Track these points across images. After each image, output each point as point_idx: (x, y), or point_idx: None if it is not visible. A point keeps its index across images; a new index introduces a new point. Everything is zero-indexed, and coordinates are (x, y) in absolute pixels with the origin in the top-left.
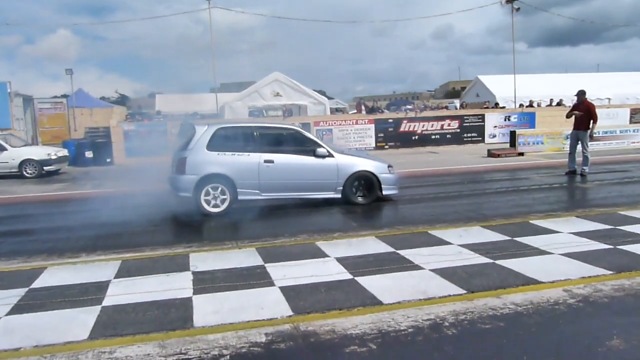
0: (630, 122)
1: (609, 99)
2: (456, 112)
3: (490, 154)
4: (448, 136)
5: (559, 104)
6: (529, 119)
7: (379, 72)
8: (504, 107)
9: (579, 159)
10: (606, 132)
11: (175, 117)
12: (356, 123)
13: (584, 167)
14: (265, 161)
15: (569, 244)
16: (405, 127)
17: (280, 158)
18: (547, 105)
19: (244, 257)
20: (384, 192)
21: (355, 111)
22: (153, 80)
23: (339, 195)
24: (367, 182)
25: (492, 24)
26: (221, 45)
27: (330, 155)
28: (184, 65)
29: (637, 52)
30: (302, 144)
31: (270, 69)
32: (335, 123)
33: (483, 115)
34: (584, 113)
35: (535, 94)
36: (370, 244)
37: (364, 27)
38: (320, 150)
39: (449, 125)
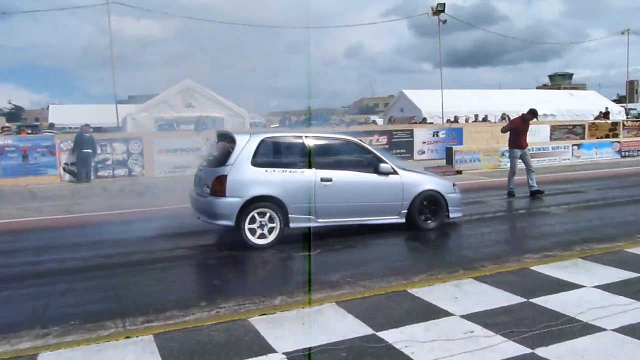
0: (551, 139)
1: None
2: (385, 127)
3: (428, 171)
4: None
5: (484, 119)
6: (456, 135)
7: (293, 88)
8: (431, 123)
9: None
10: (539, 149)
11: (67, 130)
12: None
13: (534, 185)
14: (322, 179)
15: (609, 308)
16: None
17: (339, 175)
18: (473, 121)
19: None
20: (451, 215)
21: (278, 125)
22: (52, 90)
23: (403, 220)
24: (434, 203)
25: (400, 43)
26: (128, 55)
27: (395, 172)
28: (85, 76)
29: (528, 74)
30: (361, 158)
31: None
32: None
33: (412, 131)
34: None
35: (460, 110)
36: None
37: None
38: (383, 167)
39: (377, 140)
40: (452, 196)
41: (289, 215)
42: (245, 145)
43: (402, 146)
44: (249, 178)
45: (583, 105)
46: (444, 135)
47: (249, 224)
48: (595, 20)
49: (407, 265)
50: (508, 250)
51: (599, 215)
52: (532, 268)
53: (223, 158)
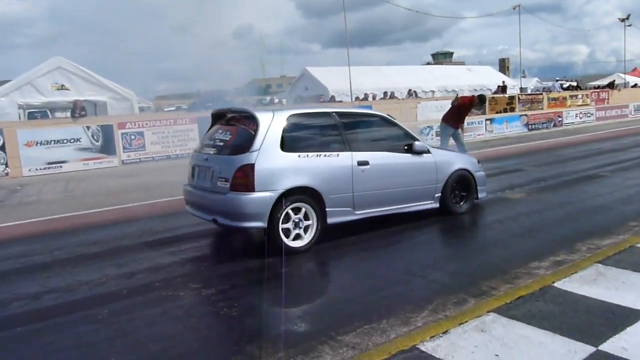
0: None
1: (433, 91)
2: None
3: None
4: None
5: (392, 96)
6: None
7: (181, 70)
8: (340, 101)
9: None
10: None
11: None
12: (175, 123)
13: None
14: (359, 163)
15: None
16: None
17: (375, 158)
18: (382, 99)
19: None
20: (480, 195)
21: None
22: None
23: (437, 205)
24: (465, 184)
25: (289, 25)
26: None
27: (428, 151)
28: None
29: (412, 53)
30: (392, 137)
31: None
32: (148, 124)
33: None
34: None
35: (365, 87)
36: None
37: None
38: (418, 145)
39: None
40: (479, 174)
41: (327, 209)
42: (271, 125)
43: None
44: (281, 166)
45: (481, 80)
46: None
47: (283, 223)
48: (468, 3)
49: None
50: (503, 257)
51: (564, 199)
52: (555, 285)
53: (243, 142)
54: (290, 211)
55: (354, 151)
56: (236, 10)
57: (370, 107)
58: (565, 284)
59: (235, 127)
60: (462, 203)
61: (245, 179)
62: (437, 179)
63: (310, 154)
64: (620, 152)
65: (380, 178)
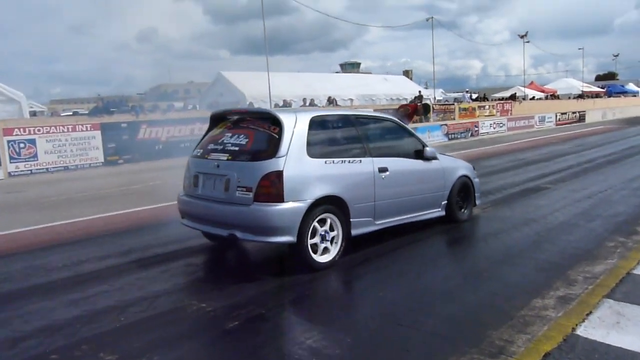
0: None
1: (352, 99)
2: (208, 114)
3: None
4: None
5: (312, 104)
6: None
7: (78, 73)
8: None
9: None
10: None
11: None
12: (74, 130)
13: None
14: (380, 170)
15: None
16: (145, 133)
17: (393, 164)
18: (301, 106)
19: None
20: (477, 202)
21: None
22: None
23: (444, 213)
24: (465, 190)
25: (197, 30)
26: None
27: (436, 157)
28: None
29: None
30: (404, 142)
31: None
32: (40, 130)
33: None
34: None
35: (284, 94)
36: None
37: (58, 22)
38: (429, 151)
39: (200, 129)
40: (476, 181)
41: (351, 220)
42: (295, 128)
43: None
44: (309, 173)
45: (397, 89)
46: None
47: (310, 237)
48: (373, 15)
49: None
50: (497, 292)
51: (524, 216)
52: (578, 333)
53: (265, 147)
54: (317, 224)
55: (374, 157)
56: (140, 12)
57: None
58: (589, 331)
59: (252, 130)
60: (463, 210)
61: (272, 187)
62: (445, 185)
63: (335, 159)
64: (546, 163)
65: (398, 185)
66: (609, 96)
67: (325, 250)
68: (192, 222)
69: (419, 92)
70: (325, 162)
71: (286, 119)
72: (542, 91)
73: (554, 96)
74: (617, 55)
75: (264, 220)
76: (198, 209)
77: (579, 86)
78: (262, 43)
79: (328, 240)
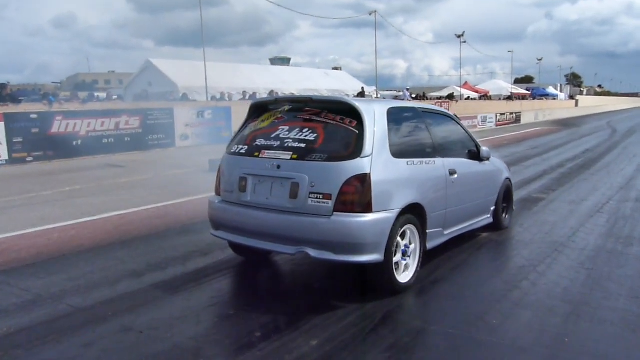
0: None
1: (293, 93)
2: (137, 106)
3: (215, 166)
4: (127, 139)
5: (252, 97)
6: (225, 115)
7: None
8: (195, 101)
9: None
10: None
11: None
12: None
13: None
14: (450, 172)
15: None
16: (60, 126)
17: (459, 166)
18: (241, 99)
19: None
20: (514, 207)
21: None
22: None
23: (492, 219)
24: (507, 194)
25: (118, 18)
26: None
27: (489, 158)
28: None
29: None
30: (462, 140)
31: None
32: None
33: (171, 110)
34: None
35: (220, 86)
36: None
37: None
38: (485, 151)
39: (127, 123)
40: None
41: (427, 231)
42: (376, 122)
43: (159, 130)
44: (395, 177)
45: (338, 84)
46: (211, 116)
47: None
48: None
49: None
50: None
51: (556, 239)
52: None
53: (344, 145)
54: (399, 238)
55: (443, 157)
56: None
57: (229, 108)
58: None
59: (319, 122)
60: (505, 215)
61: (358, 194)
62: (495, 189)
63: (415, 160)
64: (515, 167)
65: (464, 190)
66: (534, 98)
67: (406, 267)
68: (233, 234)
69: (362, 88)
70: (407, 163)
71: (366, 110)
72: (476, 91)
73: (486, 96)
74: (540, 59)
75: (348, 235)
76: (246, 219)
77: (507, 88)
78: (188, 34)
79: (409, 256)
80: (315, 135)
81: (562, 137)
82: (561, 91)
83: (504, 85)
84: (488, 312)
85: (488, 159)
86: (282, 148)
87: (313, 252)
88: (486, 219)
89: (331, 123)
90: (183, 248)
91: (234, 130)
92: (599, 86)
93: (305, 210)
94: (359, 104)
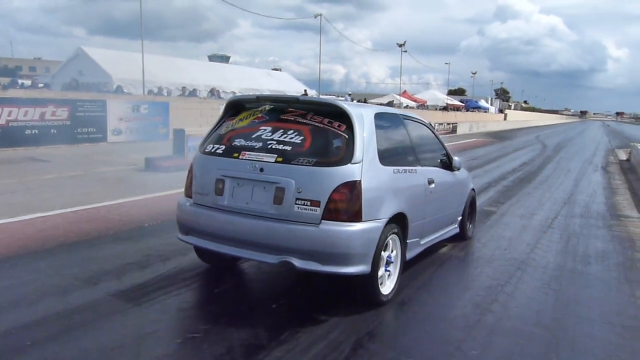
0: None
1: (235, 92)
2: (66, 95)
3: (152, 165)
4: (53, 131)
5: (193, 94)
6: (162, 111)
7: None
8: (130, 94)
9: None
10: None
11: None
12: None
13: None
14: (429, 182)
15: None
16: None
17: (435, 175)
18: (180, 95)
19: None
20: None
21: None
22: None
23: (458, 229)
24: (472, 204)
25: (48, 2)
26: None
27: (460, 168)
28: None
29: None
30: (436, 149)
31: None
32: None
33: (104, 103)
34: None
35: (161, 80)
36: None
37: None
38: (457, 161)
39: (53, 114)
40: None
41: (407, 241)
42: (365, 126)
43: (90, 123)
44: (383, 185)
45: (281, 85)
46: (147, 111)
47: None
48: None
49: None
50: None
51: (512, 242)
52: None
53: (333, 149)
54: (383, 248)
55: (422, 166)
56: None
57: (167, 104)
58: None
59: (306, 124)
60: (469, 226)
61: (348, 202)
62: (463, 199)
63: (400, 168)
64: None
65: (439, 200)
66: (467, 110)
67: (388, 279)
68: (205, 240)
69: (305, 90)
70: (394, 172)
71: (354, 113)
72: (414, 100)
73: (423, 106)
74: (475, 73)
75: (337, 245)
76: (222, 225)
77: (443, 98)
78: (123, 24)
79: (389, 269)
80: (301, 137)
81: (498, 149)
82: (492, 104)
83: (440, 96)
84: (464, 340)
85: (459, 169)
86: (266, 150)
87: (298, 262)
88: (454, 229)
89: (318, 126)
90: (117, 259)
91: (172, 128)
92: (525, 102)
93: (290, 217)
94: (348, 107)
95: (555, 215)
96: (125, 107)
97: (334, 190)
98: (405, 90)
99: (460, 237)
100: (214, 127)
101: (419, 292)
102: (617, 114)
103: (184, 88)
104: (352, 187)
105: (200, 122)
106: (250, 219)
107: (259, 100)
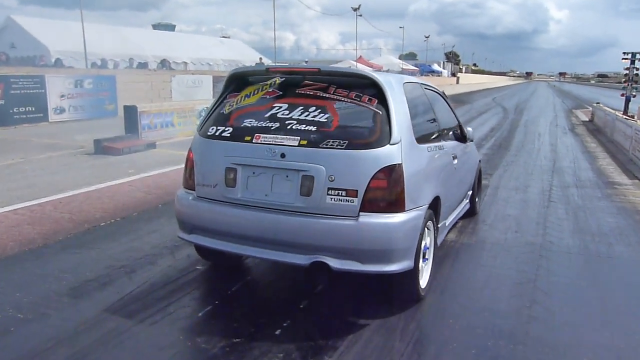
0: (214, 93)
1: (186, 63)
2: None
3: (105, 149)
4: None
5: (142, 66)
6: (108, 86)
7: None
8: (71, 67)
9: None
10: None
11: None
12: None
13: None
14: (453, 157)
15: None
16: None
17: (457, 150)
18: (127, 67)
19: None
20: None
21: None
22: None
23: (469, 205)
24: (479, 177)
25: None
26: None
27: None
28: None
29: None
30: (452, 120)
31: None
32: None
33: (42, 78)
34: None
35: (105, 52)
36: None
37: None
38: (470, 132)
39: None
40: None
41: (438, 225)
42: (399, 101)
43: (28, 101)
44: (422, 167)
45: (235, 54)
46: (92, 86)
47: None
48: None
49: None
50: None
51: (520, 222)
52: None
53: (365, 128)
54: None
55: (445, 140)
56: None
57: (113, 77)
58: None
59: (329, 100)
60: (477, 199)
61: (389, 190)
62: (474, 173)
63: (431, 145)
64: None
65: (459, 176)
66: (422, 74)
67: (424, 270)
68: (214, 239)
69: (260, 59)
70: (428, 150)
71: (387, 84)
72: (371, 66)
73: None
74: (428, 37)
75: (380, 240)
76: (236, 221)
77: (398, 64)
78: None
79: (426, 258)
80: (326, 115)
81: (462, 114)
82: (444, 68)
83: (395, 61)
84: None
85: (472, 140)
86: (285, 131)
87: (334, 263)
88: (466, 205)
89: (345, 101)
90: (71, 275)
91: (122, 104)
92: (474, 64)
93: (322, 211)
94: (380, 77)
95: (549, 186)
96: (67, 82)
97: (374, 177)
98: (360, 56)
99: (470, 212)
100: (214, 105)
101: (441, 297)
102: (560, 74)
103: (131, 60)
104: (394, 172)
105: (152, 96)
106: (272, 213)
107: (269, 71)
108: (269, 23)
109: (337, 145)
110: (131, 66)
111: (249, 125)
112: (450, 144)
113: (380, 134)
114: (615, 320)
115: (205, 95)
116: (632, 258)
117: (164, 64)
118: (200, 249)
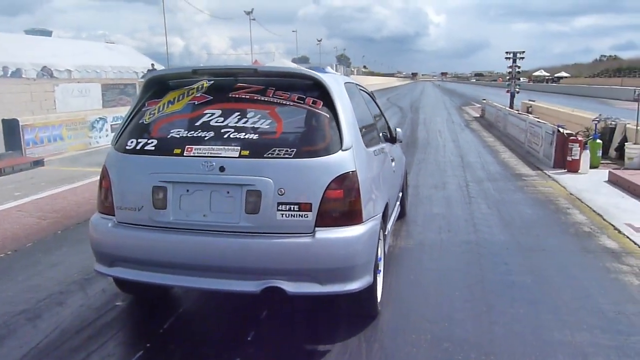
0: (104, 102)
1: (70, 70)
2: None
3: None
4: None
5: (17, 75)
6: None
7: None
8: None
9: None
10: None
11: None
12: None
13: None
14: (391, 160)
15: None
16: None
17: (392, 151)
18: (1, 77)
19: None
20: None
21: None
22: None
23: (400, 208)
24: (405, 176)
25: None
26: None
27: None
28: None
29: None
30: (382, 121)
31: None
32: None
33: None
34: None
35: None
36: None
37: None
38: (400, 133)
39: None
40: None
41: (385, 233)
42: (345, 102)
43: None
44: (373, 173)
45: (125, 61)
46: None
47: None
48: None
49: None
50: None
51: (446, 219)
52: None
53: (314, 132)
54: None
55: (383, 142)
56: None
57: None
58: None
59: (268, 104)
60: (406, 201)
61: (346, 201)
62: (403, 174)
63: (375, 149)
64: None
65: (394, 178)
66: None
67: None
68: (142, 272)
69: (152, 65)
70: (375, 154)
71: (332, 83)
72: None
73: None
74: (320, 40)
75: (341, 256)
76: (168, 248)
77: (296, 66)
78: None
79: (380, 270)
80: (269, 121)
81: None
82: (337, 71)
83: (292, 65)
84: None
85: (401, 141)
86: (222, 141)
87: (289, 287)
88: (398, 207)
89: (286, 104)
90: None
91: None
92: (364, 67)
93: (272, 229)
94: (323, 77)
95: (465, 182)
96: None
97: (328, 187)
98: (256, 60)
99: (401, 214)
100: (131, 114)
101: (399, 312)
102: (442, 74)
103: (5, 68)
104: (348, 181)
105: (33, 107)
106: (213, 236)
107: (197, 73)
108: (155, 28)
109: (284, 155)
110: (5, 75)
111: (177, 135)
112: (387, 146)
113: (330, 140)
114: (574, 315)
115: (95, 105)
116: (561, 248)
117: (44, 71)
118: (120, 281)
